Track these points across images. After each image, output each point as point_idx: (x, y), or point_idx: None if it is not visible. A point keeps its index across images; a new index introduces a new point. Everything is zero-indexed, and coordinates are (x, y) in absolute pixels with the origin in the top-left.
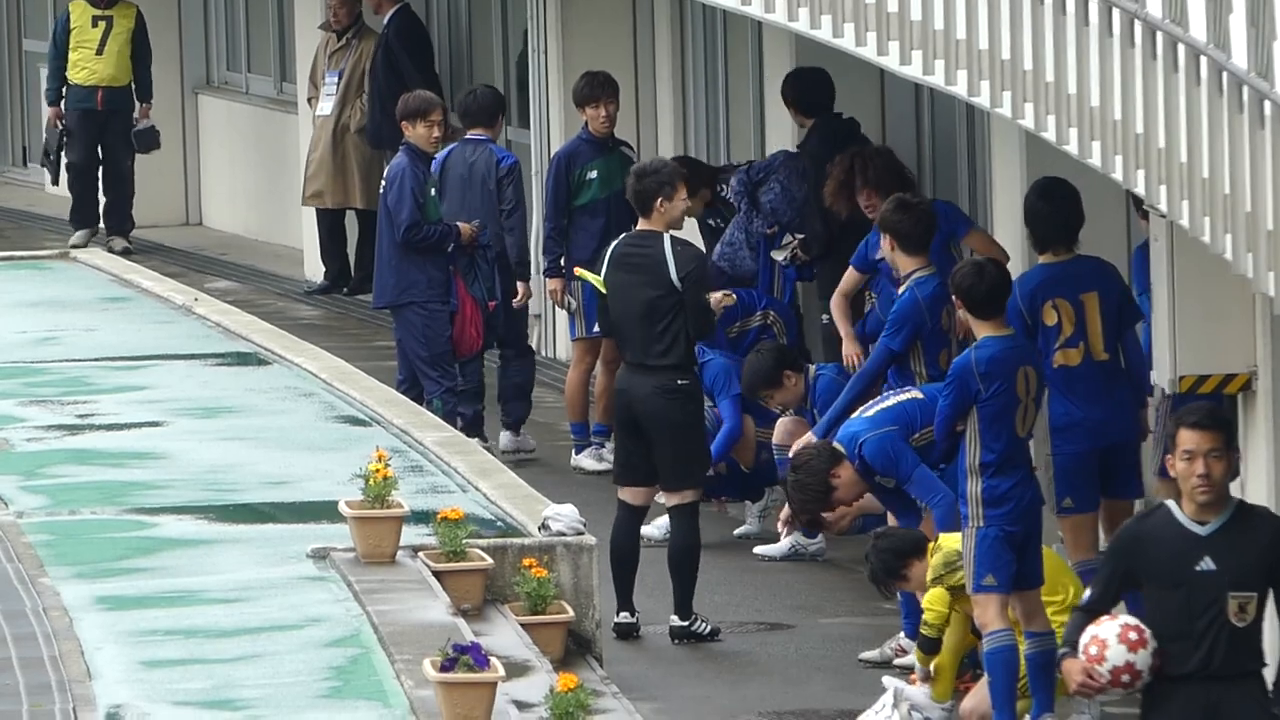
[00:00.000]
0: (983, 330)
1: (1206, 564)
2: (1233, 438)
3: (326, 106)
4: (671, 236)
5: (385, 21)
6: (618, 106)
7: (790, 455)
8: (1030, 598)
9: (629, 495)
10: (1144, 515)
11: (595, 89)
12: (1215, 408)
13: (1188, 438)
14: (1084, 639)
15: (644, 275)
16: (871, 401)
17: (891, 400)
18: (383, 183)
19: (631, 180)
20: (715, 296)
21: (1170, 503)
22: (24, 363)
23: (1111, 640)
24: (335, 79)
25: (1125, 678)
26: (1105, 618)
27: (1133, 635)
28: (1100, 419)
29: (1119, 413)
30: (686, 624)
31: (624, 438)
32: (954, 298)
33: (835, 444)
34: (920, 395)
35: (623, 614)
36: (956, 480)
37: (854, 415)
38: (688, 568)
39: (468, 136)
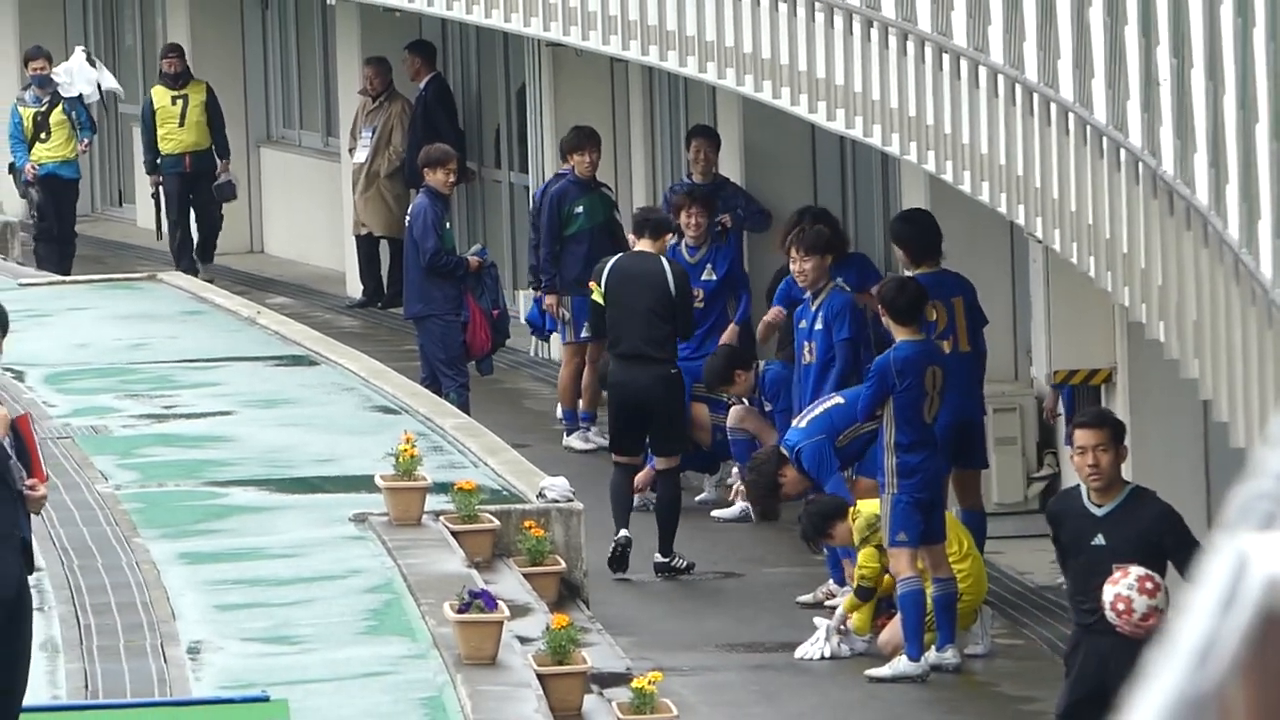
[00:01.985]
0: (901, 334)
1: (1099, 540)
2: (1119, 433)
3: (362, 155)
4: (666, 257)
5: (422, 86)
6: (599, 154)
7: (749, 459)
8: (936, 551)
9: (623, 459)
10: (1062, 495)
11: (581, 140)
12: (1104, 410)
13: (1080, 435)
14: (1109, 599)
15: (646, 286)
16: (805, 411)
17: (820, 409)
18: (406, 218)
19: (641, 214)
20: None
21: (1083, 486)
22: (120, 364)
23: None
24: (370, 134)
25: (1120, 606)
26: (1119, 575)
27: (1149, 584)
28: (958, 399)
29: (971, 396)
30: (668, 560)
31: (623, 419)
32: (879, 306)
33: (782, 449)
34: (841, 400)
35: (622, 532)
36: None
37: (792, 425)
38: (671, 516)
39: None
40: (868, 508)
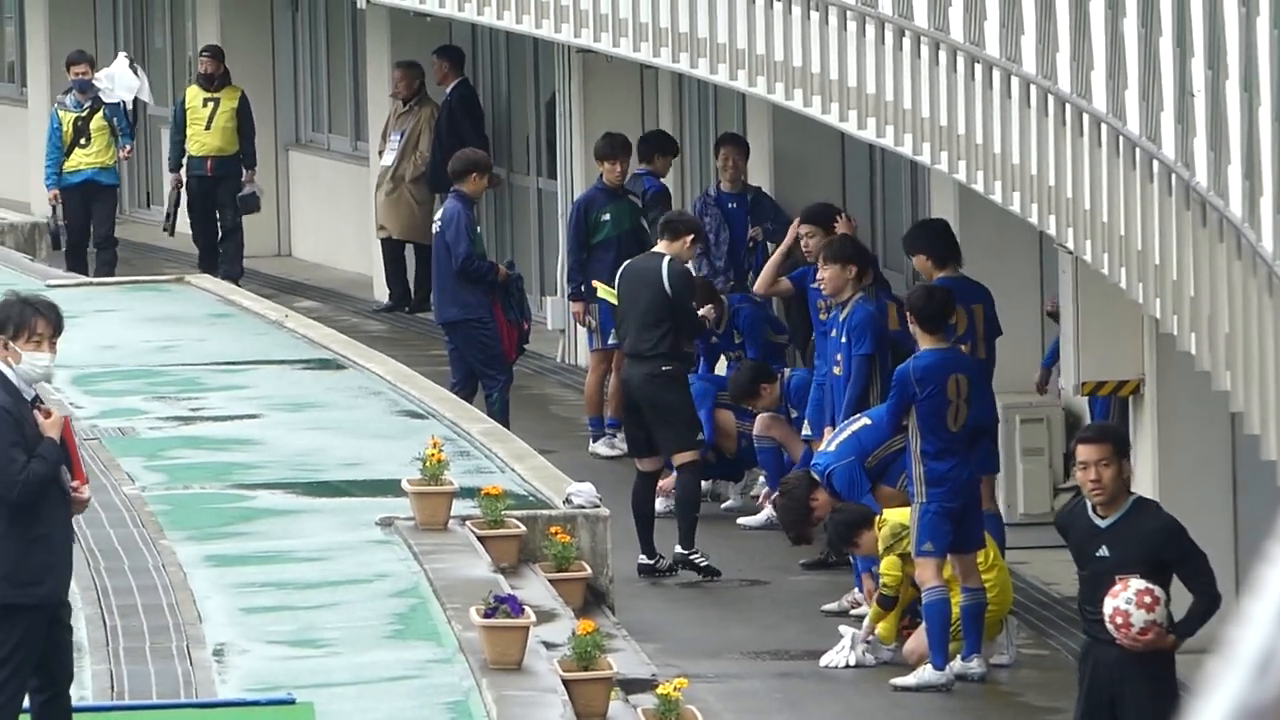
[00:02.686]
0: (925, 342)
1: (1104, 551)
2: (1122, 448)
3: (389, 158)
4: (669, 257)
5: (448, 91)
6: (629, 163)
7: (780, 483)
8: (968, 560)
9: (641, 464)
10: (1069, 508)
11: (614, 149)
12: (1105, 424)
13: (1082, 451)
14: (1108, 611)
15: (644, 285)
16: (833, 434)
17: (847, 432)
18: (436, 223)
19: (665, 218)
20: (703, 310)
21: (1087, 499)
22: (147, 366)
23: (1130, 608)
24: (398, 137)
25: (1119, 620)
26: (1119, 588)
27: (1147, 599)
28: (970, 405)
29: (983, 402)
30: (686, 552)
31: (627, 418)
32: (906, 313)
33: (813, 474)
34: (868, 421)
35: (641, 557)
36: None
37: (820, 448)
38: (688, 511)
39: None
40: (894, 516)
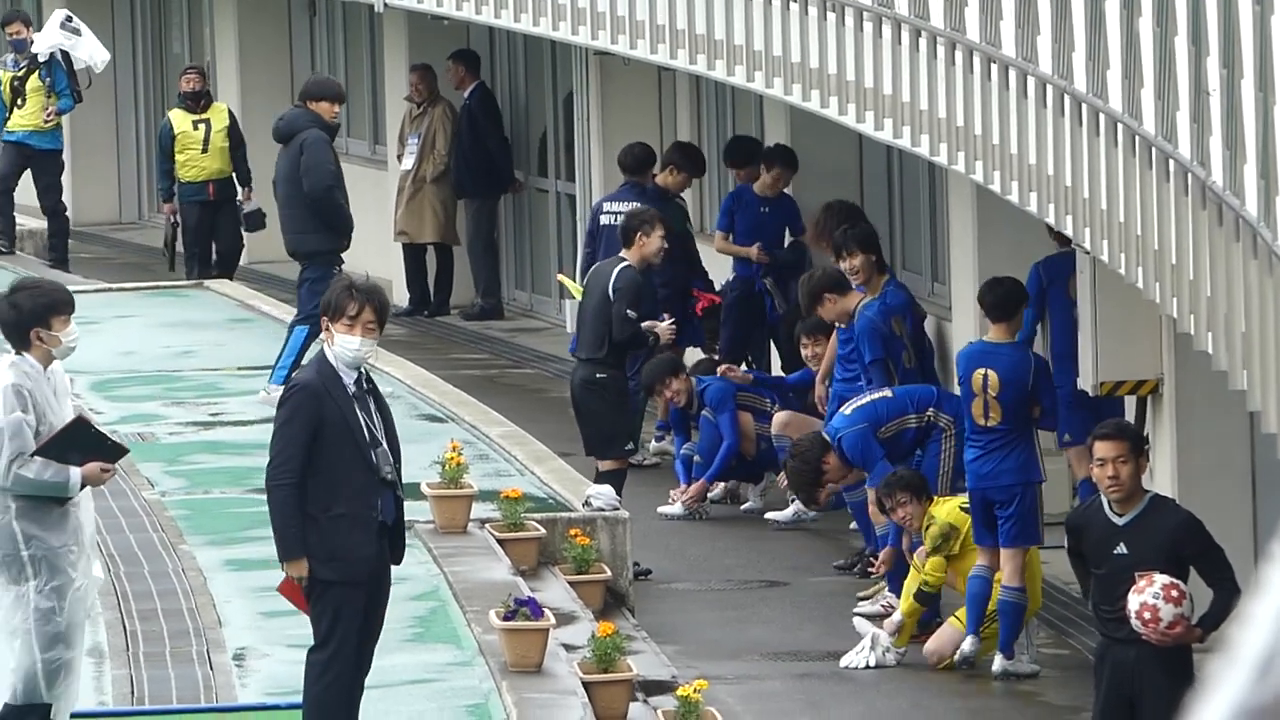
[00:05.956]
0: (989, 333)
1: (1121, 549)
2: (1139, 445)
3: (408, 162)
4: (624, 262)
5: (467, 95)
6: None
7: (791, 444)
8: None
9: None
10: (1083, 506)
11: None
12: (1123, 422)
13: (1100, 448)
14: (1135, 607)
15: (599, 286)
16: (852, 399)
17: (866, 399)
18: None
19: (622, 219)
20: (661, 326)
21: (1104, 496)
22: (166, 372)
23: (1159, 603)
24: (415, 140)
25: (1146, 615)
26: (1144, 584)
27: (1174, 593)
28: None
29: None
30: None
31: (577, 419)
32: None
33: (826, 435)
34: (889, 394)
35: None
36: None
37: (838, 413)
38: None
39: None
40: (944, 515)
